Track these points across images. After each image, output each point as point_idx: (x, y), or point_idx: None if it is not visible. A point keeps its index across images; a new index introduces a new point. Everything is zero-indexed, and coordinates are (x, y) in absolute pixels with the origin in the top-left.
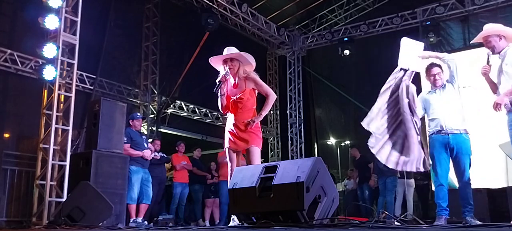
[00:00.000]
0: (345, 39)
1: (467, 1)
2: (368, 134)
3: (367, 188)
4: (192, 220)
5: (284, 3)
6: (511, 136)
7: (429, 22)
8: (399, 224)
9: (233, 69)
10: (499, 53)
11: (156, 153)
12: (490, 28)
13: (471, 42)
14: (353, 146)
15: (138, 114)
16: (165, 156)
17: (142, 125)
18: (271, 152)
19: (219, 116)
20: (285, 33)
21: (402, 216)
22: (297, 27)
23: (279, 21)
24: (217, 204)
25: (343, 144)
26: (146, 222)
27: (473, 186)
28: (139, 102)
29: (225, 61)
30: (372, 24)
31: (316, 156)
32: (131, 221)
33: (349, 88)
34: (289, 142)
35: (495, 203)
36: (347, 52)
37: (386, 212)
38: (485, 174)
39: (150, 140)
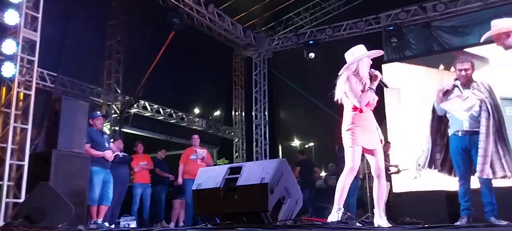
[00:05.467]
0: (311, 42)
1: (428, 8)
2: (330, 136)
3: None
4: (155, 221)
5: (251, 4)
6: None
7: (392, 27)
8: (361, 225)
9: None
10: (510, 49)
11: (118, 153)
12: (497, 25)
13: (481, 40)
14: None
15: (98, 112)
16: (128, 155)
17: (104, 124)
18: (236, 153)
19: (184, 116)
20: (251, 35)
21: (364, 217)
22: (263, 29)
23: (245, 22)
24: (183, 205)
25: (307, 146)
26: (106, 224)
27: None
28: (101, 101)
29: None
30: (337, 28)
31: (280, 157)
32: (91, 222)
33: (314, 91)
34: (254, 143)
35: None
36: (312, 55)
37: (348, 213)
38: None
39: (111, 140)
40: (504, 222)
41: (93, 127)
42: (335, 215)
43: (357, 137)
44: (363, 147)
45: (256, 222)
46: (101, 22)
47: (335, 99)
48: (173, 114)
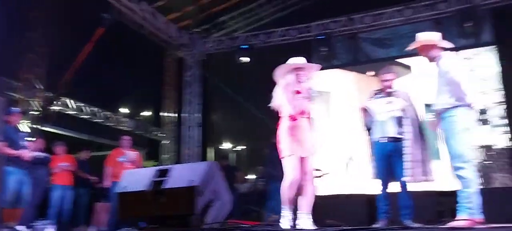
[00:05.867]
0: (244, 46)
1: (356, 19)
2: (262, 139)
3: None
4: (75, 226)
5: (186, 5)
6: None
7: (322, 37)
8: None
9: None
10: (433, 61)
11: (37, 153)
12: (423, 37)
13: (408, 49)
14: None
15: (15, 108)
16: (49, 156)
17: (23, 122)
18: (165, 155)
19: (110, 115)
20: (185, 36)
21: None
22: (197, 30)
23: (179, 22)
24: (107, 209)
25: (238, 149)
26: (21, 228)
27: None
28: (19, 96)
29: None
30: (270, 34)
31: (211, 160)
32: (5, 226)
33: (246, 95)
34: (184, 146)
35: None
36: (245, 59)
37: (274, 216)
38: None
39: (30, 139)
40: (418, 225)
41: (9, 123)
42: (286, 219)
43: (292, 146)
44: (297, 155)
45: (183, 225)
46: (21, 12)
47: (272, 107)
48: (98, 113)
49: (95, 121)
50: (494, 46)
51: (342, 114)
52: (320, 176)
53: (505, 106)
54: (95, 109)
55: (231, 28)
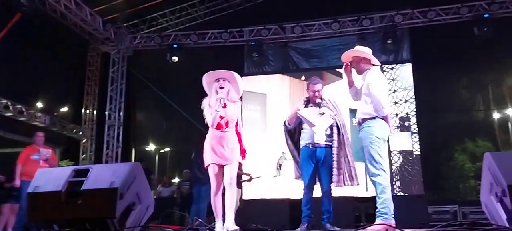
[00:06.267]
0: (175, 45)
1: (287, 29)
2: (188, 142)
3: None
4: None
5: None
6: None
7: (254, 42)
8: None
9: None
10: (361, 73)
11: None
12: (359, 48)
13: (342, 57)
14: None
15: None
16: None
17: None
18: (83, 155)
19: (24, 110)
20: (111, 29)
21: (213, 223)
22: (125, 25)
23: (106, 15)
24: (16, 210)
25: (162, 151)
26: None
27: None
28: None
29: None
30: (202, 35)
31: (133, 161)
32: None
33: (174, 95)
34: (105, 145)
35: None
36: (175, 58)
37: (199, 219)
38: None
39: None
40: (338, 229)
41: None
42: (218, 225)
43: (212, 156)
44: (217, 164)
45: (101, 229)
46: None
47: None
48: (10, 107)
49: (6, 114)
50: (410, 63)
51: (277, 116)
52: (249, 180)
53: (416, 117)
54: (7, 102)
55: (161, 26)
